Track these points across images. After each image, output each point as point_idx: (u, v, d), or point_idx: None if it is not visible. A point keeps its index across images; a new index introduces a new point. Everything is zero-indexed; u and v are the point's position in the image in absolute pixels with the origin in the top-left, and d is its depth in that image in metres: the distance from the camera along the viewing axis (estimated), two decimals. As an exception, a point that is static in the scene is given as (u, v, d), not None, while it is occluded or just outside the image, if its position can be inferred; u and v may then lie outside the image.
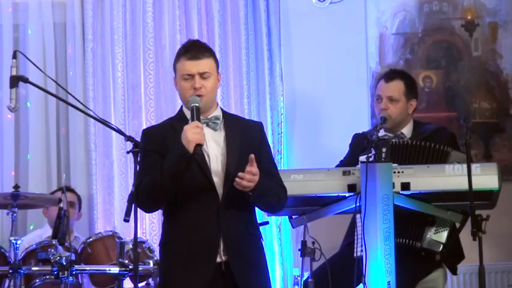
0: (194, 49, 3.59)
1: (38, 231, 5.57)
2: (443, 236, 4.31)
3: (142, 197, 3.48)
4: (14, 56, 3.89)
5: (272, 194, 3.57)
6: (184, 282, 3.46)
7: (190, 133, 3.36)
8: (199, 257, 3.45)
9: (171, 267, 3.52)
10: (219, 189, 3.49)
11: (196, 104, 3.47)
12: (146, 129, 3.71)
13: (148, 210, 3.69)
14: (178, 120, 3.58)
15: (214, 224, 3.46)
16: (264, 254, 3.65)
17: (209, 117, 3.54)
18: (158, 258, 4.92)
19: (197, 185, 3.46)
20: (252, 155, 3.41)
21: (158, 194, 3.44)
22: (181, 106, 3.67)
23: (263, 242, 3.67)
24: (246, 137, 3.59)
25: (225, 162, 3.51)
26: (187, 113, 3.56)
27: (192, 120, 3.43)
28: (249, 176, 3.39)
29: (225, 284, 3.48)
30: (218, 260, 3.47)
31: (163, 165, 3.40)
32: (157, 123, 3.87)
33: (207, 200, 3.47)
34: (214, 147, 3.51)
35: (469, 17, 5.94)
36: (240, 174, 3.39)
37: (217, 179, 3.49)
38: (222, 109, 3.66)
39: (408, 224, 4.25)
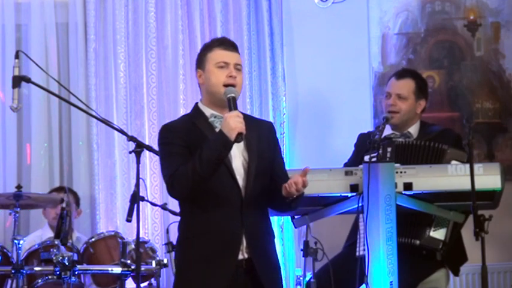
0: (229, 42, 3.63)
1: (38, 231, 5.57)
2: (442, 233, 4.31)
3: (179, 186, 3.45)
4: (17, 56, 3.89)
5: (301, 200, 3.61)
6: (205, 277, 3.46)
7: (233, 121, 3.36)
8: (221, 253, 3.46)
9: (191, 262, 3.51)
10: (242, 187, 3.51)
11: (233, 95, 3.48)
12: (167, 125, 3.68)
13: (183, 198, 3.60)
14: (197, 117, 3.60)
15: (238, 221, 3.48)
16: (277, 254, 3.69)
17: None
18: (160, 258, 4.97)
19: (221, 182, 3.47)
20: (309, 167, 3.46)
21: (195, 182, 3.41)
22: (196, 103, 3.67)
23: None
24: (262, 137, 3.62)
25: (246, 161, 3.53)
26: (206, 110, 3.59)
27: (230, 109, 3.44)
28: (300, 187, 3.42)
29: (246, 281, 3.50)
30: (240, 257, 3.48)
31: (201, 153, 3.39)
32: (176, 120, 3.85)
33: (231, 197, 3.49)
34: (235, 146, 3.49)
35: (471, 17, 5.94)
36: (294, 180, 3.42)
37: (240, 178, 3.51)
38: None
39: (407, 223, 4.25)
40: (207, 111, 3.59)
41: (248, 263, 3.50)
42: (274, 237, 3.67)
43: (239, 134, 3.36)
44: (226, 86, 3.52)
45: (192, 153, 3.43)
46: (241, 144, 3.52)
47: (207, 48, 3.64)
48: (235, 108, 3.45)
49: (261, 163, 3.54)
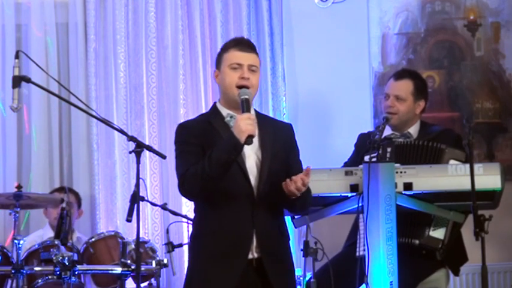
0: (245, 43, 3.64)
1: (39, 231, 5.58)
2: (441, 233, 4.31)
3: (189, 185, 3.49)
4: (17, 56, 3.88)
5: (307, 200, 3.63)
6: (215, 275, 3.48)
7: (244, 123, 3.37)
8: (232, 252, 3.48)
9: (202, 260, 3.54)
10: (254, 186, 3.52)
11: (247, 96, 3.49)
12: (183, 123, 3.73)
13: (193, 198, 3.69)
14: (214, 117, 3.62)
15: (249, 221, 3.50)
16: (292, 255, 3.70)
17: None
18: (160, 258, 4.97)
19: (234, 182, 3.49)
20: (310, 166, 3.46)
21: (206, 183, 3.44)
22: (215, 103, 3.69)
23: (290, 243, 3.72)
24: (278, 138, 3.63)
25: (259, 161, 3.55)
26: (223, 110, 3.61)
27: (243, 111, 3.45)
28: (299, 185, 3.42)
29: (256, 280, 3.52)
30: (250, 256, 3.50)
31: (211, 154, 3.41)
32: (192, 119, 3.88)
33: (243, 197, 3.50)
34: (249, 146, 3.49)
35: (471, 17, 5.94)
36: (293, 178, 3.43)
37: (252, 178, 3.53)
38: (254, 109, 3.69)
39: (406, 222, 4.24)
40: (224, 111, 3.61)
41: (258, 262, 3.52)
42: (288, 238, 3.68)
43: (249, 137, 3.37)
44: (239, 87, 3.54)
45: (206, 153, 3.46)
46: (256, 144, 3.54)
47: (224, 48, 3.66)
48: (248, 110, 3.47)
49: (275, 163, 3.55)
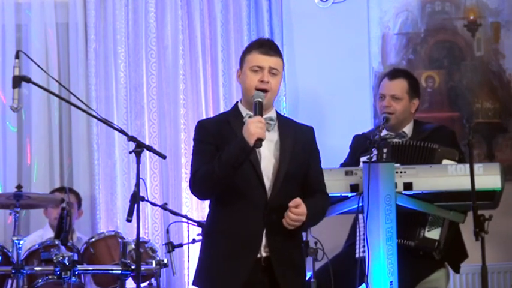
0: (268, 45, 3.64)
1: (39, 231, 5.57)
2: (436, 233, 4.31)
3: (198, 185, 3.54)
4: (17, 56, 3.88)
5: (316, 216, 3.66)
6: (224, 273, 3.51)
7: (253, 127, 3.40)
8: (241, 251, 3.50)
9: (212, 257, 3.57)
10: (268, 188, 3.53)
11: (260, 99, 3.51)
12: (202, 121, 3.76)
13: (203, 197, 3.74)
14: (234, 116, 3.64)
15: (260, 221, 3.51)
16: (304, 258, 3.71)
17: (265, 117, 3.55)
18: (160, 258, 4.98)
19: (248, 182, 3.51)
20: (297, 199, 3.47)
21: (214, 183, 3.47)
22: (236, 102, 3.72)
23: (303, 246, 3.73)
24: (298, 140, 3.65)
25: (276, 163, 3.56)
26: (243, 110, 3.63)
27: (255, 114, 3.47)
28: (288, 221, 3.45)
29: (263, 279, 3.53)
30: (258, 255, 3.52)
31: (221, 156, 3.44)
32: (212, 117, 3.92)
33: (256, 197, 3.52)
34: (267, 147, 3.53)
35: (471, 17, 5.94)
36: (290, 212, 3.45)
37: (266, 178, 3.54)
38: (276, 111, 3.70)
39: (402, 224, 4.24)
40: (244, 111, 3.63)
41: (267, 261, 3.53)
42: (300, 240, 3.69)
43: (258, 140, 3.39)
44: (258, 90, 3.55)
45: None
46: (273, 145, 3.57)
47: (247, 49, 3.68)
48: (261, 113, 3.48)
49: (293, 166, 3.56)
